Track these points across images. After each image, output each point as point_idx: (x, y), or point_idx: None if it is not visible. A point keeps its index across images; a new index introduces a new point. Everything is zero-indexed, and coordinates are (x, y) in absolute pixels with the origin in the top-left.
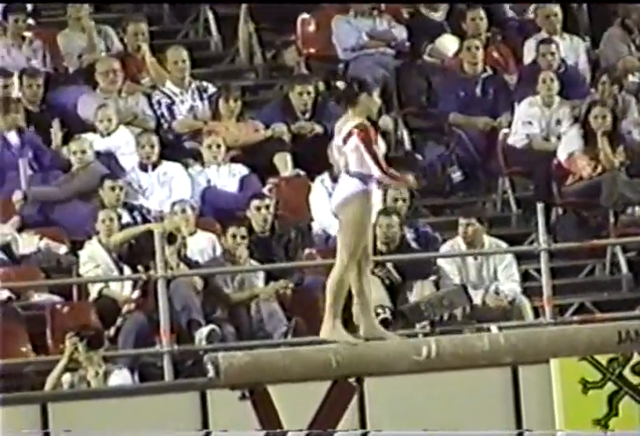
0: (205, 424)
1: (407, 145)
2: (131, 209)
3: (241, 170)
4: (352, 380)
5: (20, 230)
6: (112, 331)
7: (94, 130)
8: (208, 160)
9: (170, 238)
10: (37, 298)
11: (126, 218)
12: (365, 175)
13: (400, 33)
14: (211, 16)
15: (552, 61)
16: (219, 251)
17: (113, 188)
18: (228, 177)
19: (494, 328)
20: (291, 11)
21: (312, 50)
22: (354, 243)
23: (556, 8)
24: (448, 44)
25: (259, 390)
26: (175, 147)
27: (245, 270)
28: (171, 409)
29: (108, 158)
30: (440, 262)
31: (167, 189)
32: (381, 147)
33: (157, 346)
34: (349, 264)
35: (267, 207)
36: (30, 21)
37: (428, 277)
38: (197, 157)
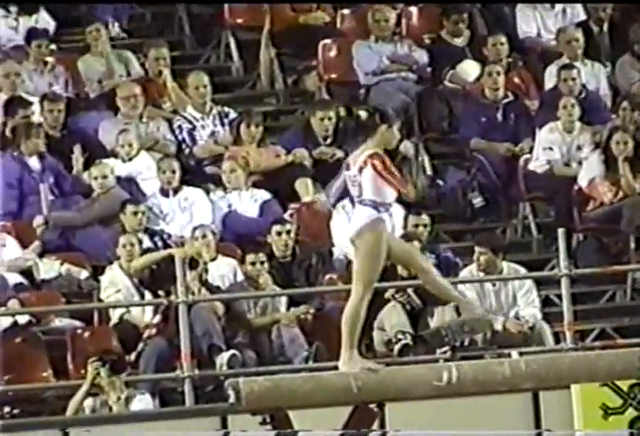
0: None
1: (429, 171)
2: (152, 234)
3: (262, 195)
4: (373, 405)
5: (41, 255)
6: (133, 356)
7: (115, 155)
8: (228, 185)
9: (192, 263)
10: (58, 323)
11: (147, 243)
12: (378, 203)
13: (421, 57)
14: (232, 41)
15: (573, 86)
16: (240, 276)
17: (134, 213)
18: (249, 202)
19: (514, 353)
20: (312, 36)
21: (333, 75)
22: (369, 274)
23: (578, 33)
24: (469, 69)
25: (280, 415)
26: (196, 172)
27: (265, 295)
28: (192, 434)
29: (129, 183)
30: (460, 287)
31: (188, 214)
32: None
33: (178, 371)
34: (365, 294)
35: (288, 232)
36: (52, 46)
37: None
38: (218, 182)
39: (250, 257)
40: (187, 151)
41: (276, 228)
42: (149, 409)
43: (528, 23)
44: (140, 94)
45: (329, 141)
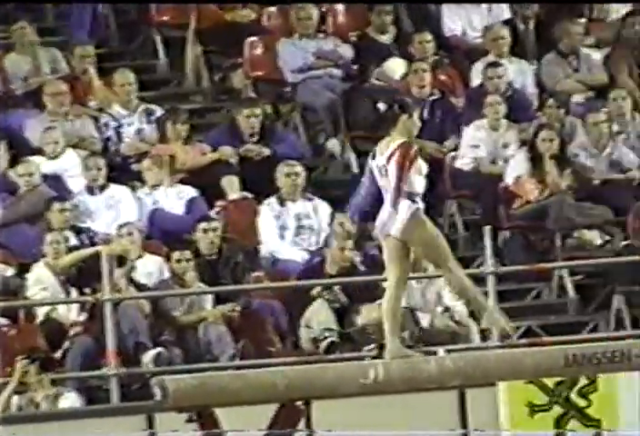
0: None
1: (355, 169)
2: (78, 232)
3: (189, 192)
4: (299, 403)
5: None
6: (59, 353)
7: (41, 153)
8: (148, 182)
9: (119, 261)
10: None
11: (74, 241)
12: (412, 194)
13: (346, 52)
14: (158, 39)
15: (499, 84)
16: (166, 274)
17: (60, 211)
18: (175, 200)
19: (441, 351)
20: (238, 34)
21: (259, 73)
22: (439, 252)
23: (504, 31)
24: (396, 66)
25: (206, 413)
26: (122, 170)
27: (191, 292)
28: (118, 432)
29: (55, 181)
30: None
31: (114, 211)
32: (423, 167)
33: (104, 369)
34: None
35: (214, 230)
36: None
37: (375, 300)
38: (144, 180)
39: (176, 254)
40: (113, 148)
41: (202, 225)
42: (75, 407)
43: (454, 20)
44: (66, 91)
45: (255, 138)
